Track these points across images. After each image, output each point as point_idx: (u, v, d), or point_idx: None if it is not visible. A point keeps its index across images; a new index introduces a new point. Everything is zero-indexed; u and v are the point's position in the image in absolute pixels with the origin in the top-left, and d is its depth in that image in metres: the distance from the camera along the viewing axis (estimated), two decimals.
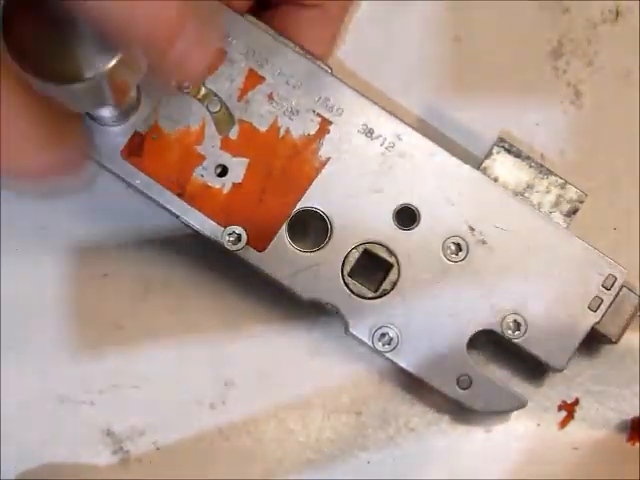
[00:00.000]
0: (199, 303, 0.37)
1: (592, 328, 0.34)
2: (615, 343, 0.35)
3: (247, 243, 0.33)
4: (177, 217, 0.34)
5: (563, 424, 0.37)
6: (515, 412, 0.37)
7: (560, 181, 0.34)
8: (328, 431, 0.37)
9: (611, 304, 0.34)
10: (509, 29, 0.38)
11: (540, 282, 0.34)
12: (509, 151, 0.34)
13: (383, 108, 0.34)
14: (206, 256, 0.36)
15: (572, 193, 0.34)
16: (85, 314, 0.37)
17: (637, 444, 0.37)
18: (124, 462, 0.37)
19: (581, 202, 0.34)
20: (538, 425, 0.37)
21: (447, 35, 0.37)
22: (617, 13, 0.38)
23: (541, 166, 0.34)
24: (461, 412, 0.37)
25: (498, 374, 0.37)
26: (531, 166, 0.34)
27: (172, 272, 0.37)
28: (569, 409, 0.37)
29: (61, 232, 0.37)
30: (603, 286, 0.34)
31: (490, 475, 0.37)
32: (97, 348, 0.37)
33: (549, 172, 0.34)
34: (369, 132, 0.34)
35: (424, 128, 0.37)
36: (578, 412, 0.37)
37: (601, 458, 0.37)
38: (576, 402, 0.37)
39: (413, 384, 0.37)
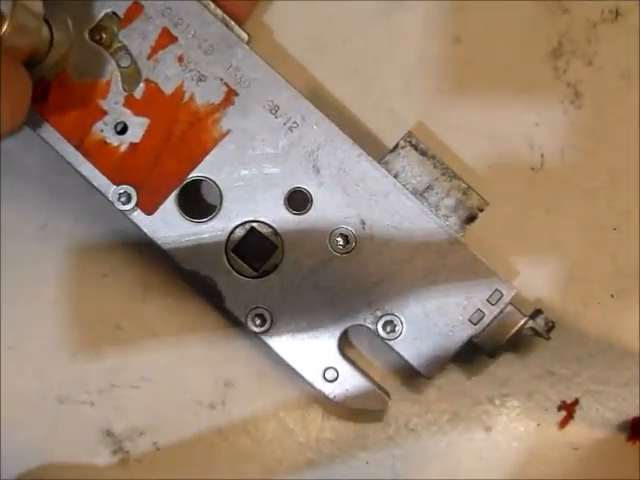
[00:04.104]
0: (199, 303, 0.37)
1: (470, 340, 0.34)
2: (492, 358, 0.34)
3: (136, 204, 0.33)
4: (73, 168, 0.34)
5: (563, 424, 0.37)
6: (515, 412, 0.37)
7: (463, 186, 0.34)
8: (328, 431, 0.37)
9: (493, 320, 0.33)
10: (509, 29, 0.38)
11: (424, 287, 0.34)
12: (415, 147, 0.34)
13: (293, 87, 0.33)
14: None
15: (474, 200, 0.34)
16: (85, 314, 0.37)
17: (637, 444, 0.37)
18: (124, 462, 0.37)
19: (481, 210, 0.34)
20: (538, 425, 0.37)
21: (447, 35, 0.37)
22: (617, 13, 0.38)
23: (446, 168, 0.34)
24: (461, 412, 0.37)
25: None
26: (435, 166, 0.34)
27: (172, 272, 0.37)
28: (569, 409, 0.37)
29: (61, 232, 0.37)
30: (488, 300, 0.33)
31: (490, 475, 0.37)
32: (97, 348, 0.37)
33: (454, 175, 0.34)
34: (274, 109, 0.33)
35: (421, 127, 0.37)
36: (578, 412, 0.37)
37: (601, 458, 0.37)
38: (576, 402, 0.37)
39: (413, 384, 0.37)
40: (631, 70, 0.37)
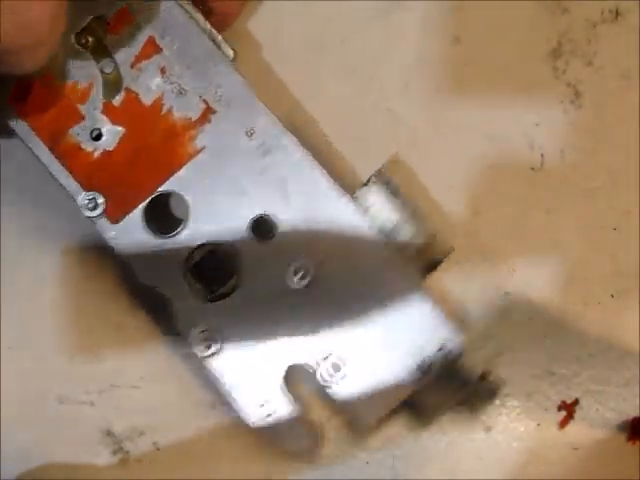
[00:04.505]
0: None
1: (414, 393, 0.33)
2: (433, 415, 0.34)
3: (103, 212, 0.33)
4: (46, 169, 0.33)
5: (563, 424, 0.37)
6: (515, 412, 0.37)
7: (431, 230, 0.33)
8: (328, 431, 0.37)
9: (440, 374, 0.33)
10: (509, 29, 0.38)
11: (375, 333, 0.33)
12: (387, 185, 0.33)
13: (271, 111, 0.33)
14: None
15: (439, 245, 0.33)
16: (84, 314, 0.37)
17: (637, 444, 0.37)
18: (124, 462, 0.37)
19: (444, 258, 0.33)
20: (538, 425, 0.37)
21: (446, 35, 0.37)
22: (617, 13, 0.38)
23: (416, 209, 0.33)
24: (461, 412, 0.37)
25: None
26: (405, 207, 0.33)
27: None
28: (569, 409, 0.37)
29: (61, 232, 0.37)
30: (437, 354, 0.32)
31: (490, 475, 0.37)
32: (97, 348, 0.37)
33: (422, 218, 0.33)
34: (250, 131, 0.33)
35: (421, 129, 0.37)
36: (578, 412, 0.37)
37: (601, 458, 0.37)
38: (576, 402, 0.37)
39: None
40: (631, 70, 0.37)
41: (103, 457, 0.37)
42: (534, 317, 0.37)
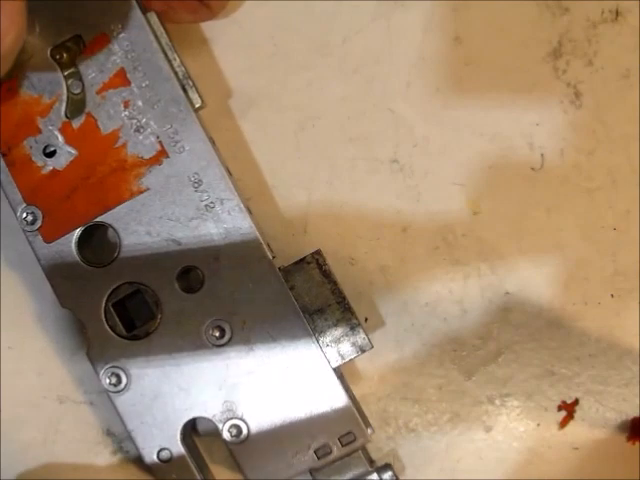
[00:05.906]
0: None
1: (310, 470, 0.33)
2: None
3: (38, 229, 0.33)
4: None
5: (563, 424, 0.37)
6: (515, 412, 0.37)
7: (354, 321, 0.33)
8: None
9: (338, 460, 0.33)
10: (509, 29, 0.38)
11: (282, 406, 0.33)
12: (320, 267, 0.33)
13: (224, 167, 0.33)
14: None
15: (359, 338, 0.33)
16: None
17: (637, 444, 0.37)
18: (124, 462, 0.37)
19: (363, 351, 0.33)
20: (538, 425, 0.37)
21: (447, 35, 0.37)
22: (617, 13, 0.38)
23: (343, 298, 0.33)
24: (461, 412, 0.37)
25: None
26: (333, 292, 0.33)
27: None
28: (569, 409, 0.37)
29: None
30: (339, 440, 0.33)
31: (490, 475, 0.37)
32: None
33: (348, 308, 0.33)
34: (197, 183, 0.33)
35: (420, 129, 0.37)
36: (578, 412, 0.37)
37: (601, 458, 0.37)
38: (576, 402, 0.37)
39: (413, 384, 0.37)
40: (631, 70, 0.37)
41: (103, 457, 0.37)
42: (534, 317, 0.37)
